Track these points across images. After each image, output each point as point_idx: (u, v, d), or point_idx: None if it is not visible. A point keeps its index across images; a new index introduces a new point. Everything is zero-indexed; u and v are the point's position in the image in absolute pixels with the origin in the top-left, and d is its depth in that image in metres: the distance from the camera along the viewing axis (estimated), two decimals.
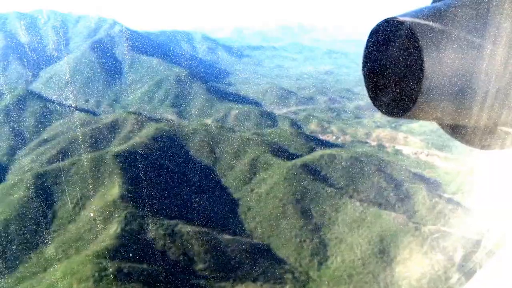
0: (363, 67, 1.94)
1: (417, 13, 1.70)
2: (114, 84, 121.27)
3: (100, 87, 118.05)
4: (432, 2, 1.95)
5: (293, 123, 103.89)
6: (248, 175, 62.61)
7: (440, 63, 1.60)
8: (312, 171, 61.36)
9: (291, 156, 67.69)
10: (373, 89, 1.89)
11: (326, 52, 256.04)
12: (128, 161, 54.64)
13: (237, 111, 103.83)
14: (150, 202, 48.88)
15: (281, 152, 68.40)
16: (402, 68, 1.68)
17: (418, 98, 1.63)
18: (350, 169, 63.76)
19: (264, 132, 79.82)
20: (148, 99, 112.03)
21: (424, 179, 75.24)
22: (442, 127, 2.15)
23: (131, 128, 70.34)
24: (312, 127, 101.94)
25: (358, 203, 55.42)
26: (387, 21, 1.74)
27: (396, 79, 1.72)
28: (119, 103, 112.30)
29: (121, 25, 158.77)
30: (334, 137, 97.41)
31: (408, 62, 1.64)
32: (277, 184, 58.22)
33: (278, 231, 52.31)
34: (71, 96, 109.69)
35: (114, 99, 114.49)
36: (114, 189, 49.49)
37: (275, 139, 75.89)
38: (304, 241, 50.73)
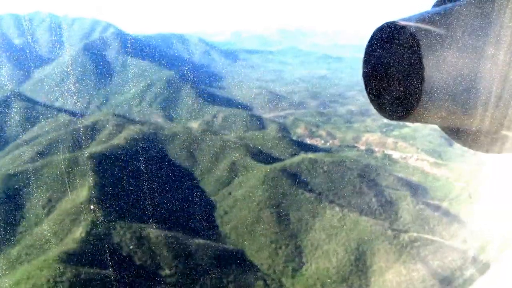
0: (364, 70, 1.90)
1: (418, 17, 1.70)
2: (105, 86, 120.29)
3: (90, 89, 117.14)
4: (433, 6, 1.94)
5: (281, 127, 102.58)
6: (227, 179, 61.30)
7: (441, 67, 1.59)
8: (291, 175, 59.98)
9: (272, 160, 66.35)
10: (374, 92, 1.85)
11: (322, 57, 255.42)
12: (102, 163, 53.35)
13: (224, 115, 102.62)
14: (121, 206, 47.56)
15: (262, 156, 67.08)
16: (403, 72, 1.67)
17: (419, 101, 1.63)
18: (332, 174, 62.38)
19: (248, 136, 78.53)
20: (137, 102, 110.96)
21: (411, 185, 73.79)
22: (444, 131, 2.09)
23: (111, 130, 69.09)
24: (300, 131, 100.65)
25: (337, 209, 53.98)
26: (387, 25, 1.72)
27: (397, 83, 1.71)
28: (108, 105, 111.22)
29: (115, 28, 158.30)
30: (322, 141, 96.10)
31: (409, 66, 1.63)
32: (255, 188, 56.84)
33: (253, 236, 50.87)
34: (60, 97, 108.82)
35: (104, 101, 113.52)
36: (84, 191, 48.13)
37: (258, 143, 74.54)
38: (280, 247, 49.25)
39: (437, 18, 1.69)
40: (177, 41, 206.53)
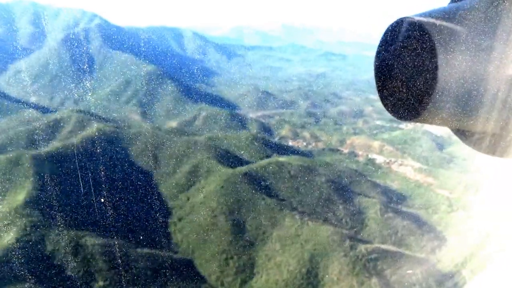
0: (375, 67, 1.85)
1: (432, 14, 1.65)
2: (84, 81, 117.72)
3: (68, 83, 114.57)
4: (449, 3, 1.86)
5: (264, 127, 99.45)
6: (188, 183, 58.31)
7: (455, 66, 1.55)
8: (255, 180, 56.83)
9: (240, 163, 63.24)
10: (384, 90, 1.80)
11: (324, 54, 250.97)
12: (47, 164, 50.66)
13: (206, 113, 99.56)
14: (61, 210, 44.78)
15: (230, 159, 63.97)
16: (415, 70, 1.62)
17: (430, 101, 1.59)
18: (299, 180, 59.09)
19: (221, 136, 75.34)
20: (116, 98, 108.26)
21: (389, 192, 70.23)
22: (454, 133, 2.03)
23: (72, 128, 66.45)
24: (284, 132, 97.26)
25: (297, 217, 50.73)
26: (401, 20, 1.68)
27: (408, 81, 1.66)
28: (85, 100, 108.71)
29: (101, 19, 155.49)
30: (305, 144, 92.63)
31: (422, 63, 1.59)
32: (214, 193, 53.80)
33: (205, 245, 47.85)
34: (36, 92, 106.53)
35: (81, 96, 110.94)
36: (21, 194, 45.49)
37: (230, 144, 71.46)
38: (231, 257, 46.19)
39: (452, 14, 1.61)
40: (170, 35, 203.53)
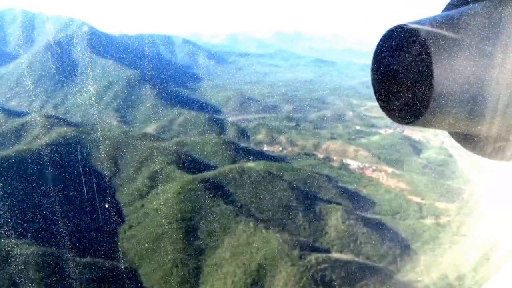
0: (373, 73, 1.89)
1: (428, 20, 1.70)
2: (66, 86, 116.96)
3: (50, 88, 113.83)
4: (443, 10, 1.93)
5: (242, 132, 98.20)
6: (146, 189, 56.90)
7: (451, 70, 1.59)
8: (214, 186, 55.41)
9: (203, 168, 61.78)
10: (383, 95, 1.84)
11: (314, 61, 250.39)
12: None
13: (183, 118, 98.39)
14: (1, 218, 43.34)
15: (193, 164, 62.56)
16: (413, 75, 1.66)
17: (428, 105, 1.62)
18: (261, 185, 57.64)
19: (189, 141, 74.09)
20: (95, 102, 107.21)
21: (358, 197, 68.66)
22: (453, 136, 2.06)
23: (37, 133, 65.22)
24: (260, 137, 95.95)
25: (252, 224, 49.19)
26: (398, 27, 1.72)
27: (406, 86, 1.70)
28: (65, 105, 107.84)
29: (89, 27, 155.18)
30: (280, 148, 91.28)
31: (419, 69, 1.63)
32: (169, 200, 52.36)
33: (153, 253, 46.29)
34: (16, 97, 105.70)
35: (62, 101, 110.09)
36: None
37: (198, 149, 70.16)
38: (177, 266, 44.61)
39: (448, 22, 1.65)
40: (161, 42, 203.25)
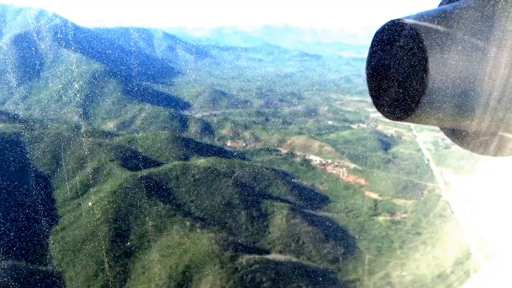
0: (367, 67, 1.89)
1: (422, 15, 1.69)
2: (31, 81, 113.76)
3: (14, 83, 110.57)
4: (440, 5, 1.92)
5: (206, 127, 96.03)
6: (84, 187, 54.65)
7: (445, 66, 1.60)
8: (154, 184, 53.31)
9: (147, 165, 59.61)
10: (376, 90, 1.84)
11: (297, 55, 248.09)
12: None
13: (146, 113, 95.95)
14: None
15: (138, 161, 60.32)
16: (406, 70, 1.67)
17: (421, 100, 1.62)
18: (205, 183, 55.69)
19: (139, 136, 71.80)
20: (58, 97, 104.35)
21: (312, 193, 66.99)
22: (444, 132, 2.09)
23: None
24: (224, 131, 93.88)
25: (187, 224, 47.27)
26: (392, 22, 1.72)
27: (400, 81, 1.71)
28: (28, 100, 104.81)
29: (61, 19, 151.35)
30: (244, 144, 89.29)
31: (412, 64, 1.64)
32: (104, 199, 50.21)
33: (80, 255, 44.21)
34: None
35: (25, 96, 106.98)
36: None
37: (147, 145, 67.92)
38: (103, 269, 42.57)
39: (442, 16, 1.66)
40: (140, 36, 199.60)
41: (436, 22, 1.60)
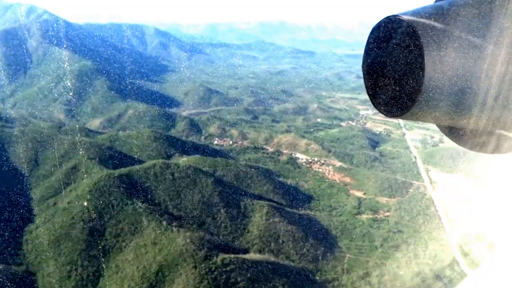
0: (363, 64, 1.88)
1: (419, 12, 1.68)
2: (19, 78, 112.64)
3: (1, 80, 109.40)
4: (436, 1, 1.90)
5: (194, 125, 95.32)
6: (62, 186, 53.94)
7: (441, 63, 1.59)
8: (131, 182, 52.68)
9: (127, 164, 58.95)
10: (373, 87, 1.84)
11: (291, 52, 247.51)
12: None
13: (133, 111, 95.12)
14: None
15: (118, 159, 59.68)
16: (403, 67, 1.67)
17: (417, 97, 1.62)
18: (185, 182, 55.09)
19: (122, 135, 71.07)
20: (45, 94, 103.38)
21: (296, 192, 66.49)
22: (441, 129, 2.09)
23: None
24: (212, 130, 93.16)
25: (164, 223, 46.67)
26: (389, 19, 1.72)
27: (396, 78, 1.70)
28: (14, 98, 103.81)
29: (51, 15, 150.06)
30: (231, 142, 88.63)
31: (409, 61, 1.63)
32: (80, 197, 49.55)
33: (54, 255, 43.59)
34: None
35: (12, 93, 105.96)
36: None
37: (130, 144, 67.20)
38: (76, 269, 42.00)
39: (439, 12, 1.64)
40: (132, 32, 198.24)
41: (433, 18, 1.58)
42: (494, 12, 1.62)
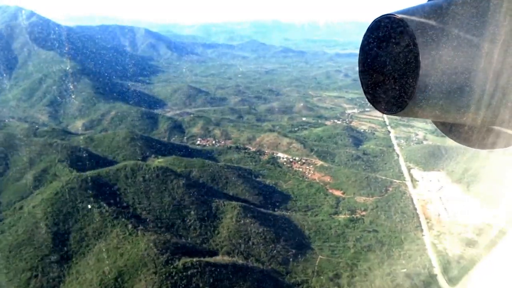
0: (360, 63, 1.91)
1: (414, 10, 1.72)
2: (3, 79, 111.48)
3: None
4: (429, 0, 1.92)
5: (177, 125, 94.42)
6: (31, 189, 53.02)
7: (437, 60, 1.62)
8: (99, 185, 51.74)
9: (98, 166, 57.96)
10: (369, 85, 1.87)
11: (281, 51, 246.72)
12: None
13: (115, 112, 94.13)
14: None
15: (89, 161, 58.69)
16: (399, 65, 1.69)
17: (414, 94, 1.65)
18: (156, 183, 54.19)
19: (99, 136, 70.12)
20: (29, 96, 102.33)
21: (273, 192, 65.68)
22: (437, 126, 2.10)
23: None
24: (195, 130, 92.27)
25: (130, 227, 45.76)
26: (384, 17, 1.74)
27: (392, 76, 1.73)
28: None
29: (39, 17, 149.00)
30: (214, 142, 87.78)
31: (405, 59, 1.66)
32: (46, 201, 48.60)
33: (15, 261, 42.62)
34: None
35: None
36: None
37: (105, 145, 66.27)
38: (36, 276, 41.03)
39: (434, 10, 1.67)
40: (122, 33, 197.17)
41: (428, 17, 1.59)
42: (488, 9, 1.60)
